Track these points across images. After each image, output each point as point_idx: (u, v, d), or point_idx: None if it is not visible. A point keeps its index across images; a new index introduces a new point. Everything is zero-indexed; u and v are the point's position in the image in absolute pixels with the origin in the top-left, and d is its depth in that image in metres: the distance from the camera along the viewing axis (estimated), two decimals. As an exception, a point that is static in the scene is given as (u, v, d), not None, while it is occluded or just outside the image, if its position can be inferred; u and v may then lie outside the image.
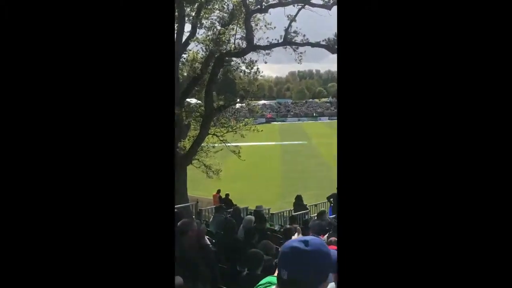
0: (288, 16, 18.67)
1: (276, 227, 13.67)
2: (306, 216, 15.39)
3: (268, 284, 2.91)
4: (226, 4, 19.23)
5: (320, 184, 26.66)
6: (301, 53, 19.24)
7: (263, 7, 18.34)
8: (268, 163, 40.00)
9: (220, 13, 19.42)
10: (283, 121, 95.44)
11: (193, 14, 19.20)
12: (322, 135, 57.23)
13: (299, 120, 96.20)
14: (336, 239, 7.02)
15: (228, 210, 12.88)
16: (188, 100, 21.06)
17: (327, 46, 18.91)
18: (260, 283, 2.89)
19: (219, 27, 18.88)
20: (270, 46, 18.65)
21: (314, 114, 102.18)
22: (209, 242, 6.30)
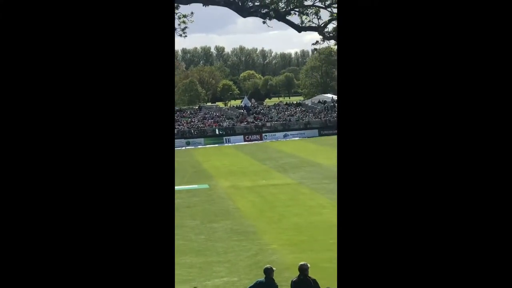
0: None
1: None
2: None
3: None
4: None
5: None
6: (185, 16, 11.64)
7: None
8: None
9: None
10: None
11: None
12: (236, 172, 34.52)
13: (188, 145, 57.04)
14: None
15: None
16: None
17: (233, 3, 12.10)
18: None
19: None
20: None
21: (218, 132, 60.78)
22: None
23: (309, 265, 8.91)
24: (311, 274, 8.90)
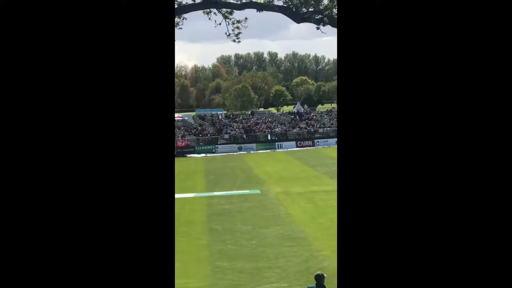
0: None
1: None
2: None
3: None
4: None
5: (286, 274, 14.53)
6: (239, 22, 11.86)
7: None
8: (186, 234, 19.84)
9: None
10: (211, 151, 56.17)
11: None
12: (288, 178, 34.31)
13: (240, 150, 56.87)
14: None
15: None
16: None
17: (287, 9, 11.81)
18: None
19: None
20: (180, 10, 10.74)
21: (270, 137, 60.16)
22: None
23: (326, 275, 9.01)
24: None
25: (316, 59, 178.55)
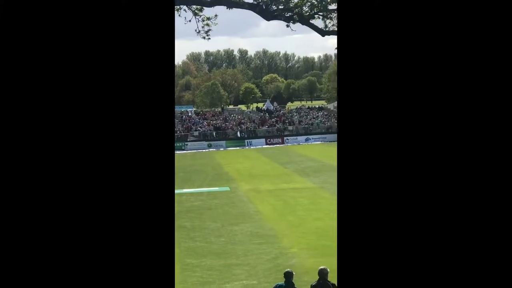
0: None
1: None
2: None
3: None
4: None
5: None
6: (208, 19, 11.74)
7: None
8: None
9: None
10: (180, 148, 55.65)
11: None
12: (257, 175, 34.44)
13: (210, 147, 57.52)
14: None
15: None
16: None
17: (257, 6, 11.74)
18: None
19: None
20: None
21: (240, 135, 60.85)
22: None
23: (328, 269, 8.87)
24: (331, 279, 8.86)
25: (286, 57, 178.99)
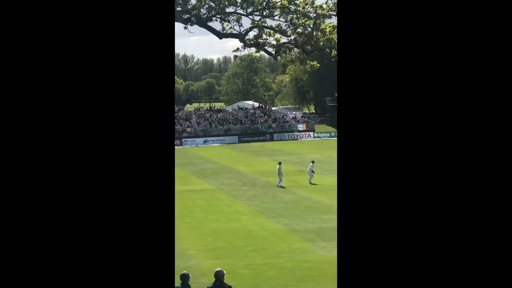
0: None
1: None
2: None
3: None
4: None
5: None
6: None
7: None
8: None
9: None
10: None
11: None
12: None
13: None
14: None
15: None
16: None
17: None
18: None
19: None
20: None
21: None
22: None
23: (225, 271, 8.90)
24: (227, 280, 8.91)
25: (185, 59, 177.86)
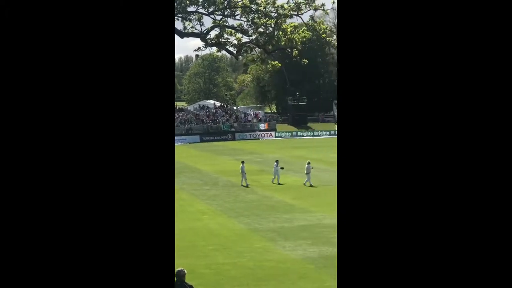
0: None
1: None
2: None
3: None
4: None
5: None
6: None
7: None
8: None
9: None
10: None
11: None
12: None
13: None
14: None
15: None
16: None
17: None
18: None
19: None
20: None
21: None
22: None
23: (186, 271, 8.83)
24: (189, 280, 8.86)
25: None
